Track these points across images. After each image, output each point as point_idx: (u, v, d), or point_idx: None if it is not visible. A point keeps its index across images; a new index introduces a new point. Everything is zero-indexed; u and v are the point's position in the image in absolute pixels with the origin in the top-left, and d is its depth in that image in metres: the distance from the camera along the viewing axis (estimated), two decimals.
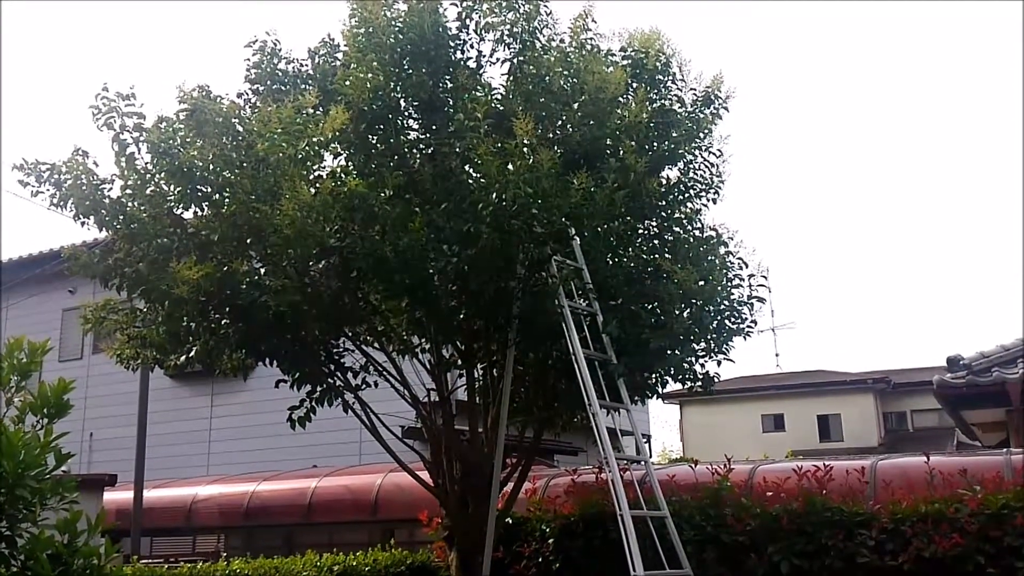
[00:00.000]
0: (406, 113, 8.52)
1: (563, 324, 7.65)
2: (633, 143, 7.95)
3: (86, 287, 14.37)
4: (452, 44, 8.40)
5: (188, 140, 7.36)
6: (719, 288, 8.03)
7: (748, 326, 8.31)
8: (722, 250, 8.34)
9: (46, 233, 52.37)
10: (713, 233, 8.53)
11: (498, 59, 8.61)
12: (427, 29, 8.07)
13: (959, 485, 7.40)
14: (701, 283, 7.91)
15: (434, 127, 8.28)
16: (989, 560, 6.86)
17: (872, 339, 66.40)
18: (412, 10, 8.16)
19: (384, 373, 8.91)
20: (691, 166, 8.78)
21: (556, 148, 7.68)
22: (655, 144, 8.42)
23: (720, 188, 8.85)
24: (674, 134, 8.47)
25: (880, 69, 61.76)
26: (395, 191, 7.90)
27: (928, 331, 62.03)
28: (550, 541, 8.64)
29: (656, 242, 8.64)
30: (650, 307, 8.11)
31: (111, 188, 7.50)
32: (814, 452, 21.44)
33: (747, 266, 8.36)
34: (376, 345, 8.98)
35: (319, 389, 8.57)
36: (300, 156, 7.27)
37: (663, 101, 8.71)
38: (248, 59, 8.63)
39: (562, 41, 8.67)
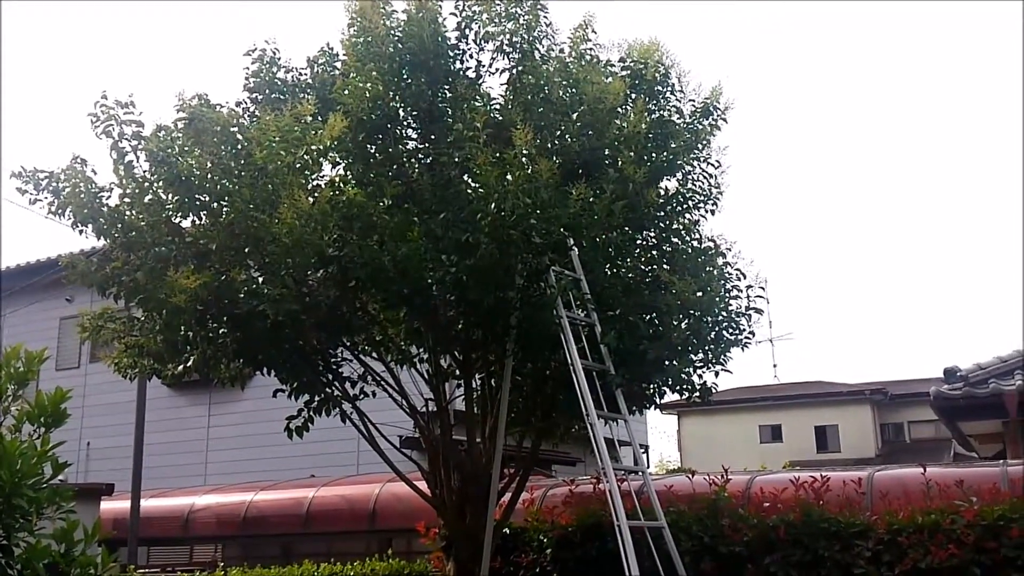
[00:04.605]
0: (405, 123, 8.53)
1: (561, 334, 7.64)
2: (632, 154, 7.98)
3: (84, 296, 14.34)
4: (451, 54, 8.42)
5: (186, 149, 7.36)
6: (717, 299, 8.04)
7: (746, 337, 8.32)
8: (720, 261, 8.36)
9: (44, 241, 52.36)
10: (711, 244, 8.55)
11: (497, 69, 8.66)
12: (426, 39, 8.09)
13: (956, 496, 7.39)
14: (699, 294, 7.92)
15: (433, 137, 8.30)
16: (985, 571, 6.86)
17: (870, 350, 66.41)
18: (412, 20, 8.18)
19: (382, 383, 8.90)
20: (690, 177, 8.80)
21: (555, 158, 7.70)
22: (654, 155, 8.44)
23: (719, 199, 8.88)
24: (673, 145, 8.48)
25: (879, 78, 61.98)
26: (394, 200, 7.91)
27: (926, 343, 62.10)
28: (548, 551, 8.63)
29: (654, 253, 8.66)
30: (648, 318, 8.11)
31: (109, 196, 7.50)
32: (812, 463, 21.43)
33: (745, 277, 8.39)
34: (374, 355, 8.97)
35: (317, 399, 8.55)
36: (298, 165, 7.28)
37: (662, 112, 8.73)
38: (247, 68, 8.66)
39: (561, 51, 8.71)
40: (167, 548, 14.85)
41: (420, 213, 7.80)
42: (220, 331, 7.83)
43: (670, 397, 8.87)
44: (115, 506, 12.44)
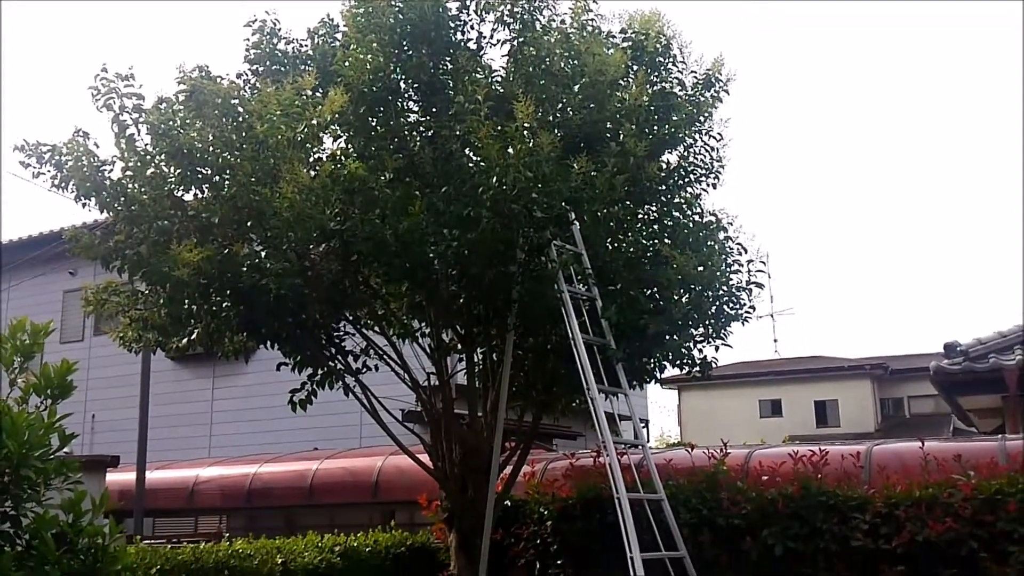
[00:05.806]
0: (406, 95, 8.50)
1: (562, 309, 7.66)
2: (633, 127, 7.94)
3: (87, 269, 14.41)
4: (452, 25, 8.36)
5: (188, 121, 7.34)
6: (718, 273, 8.04)
7: (746, 312, 8.33)
8: (721, 235, 8.35)
9: (47, 214, 52.31)
10: (712, 218, 8.54)
11: (498, 40, 8.60)
12: (427, 10, 8.03)
13: (954, 470, 7.42)
14: (700, 268, 7.92)
15: (434, 110, 8.27)
16: (982, 544, 6.90)
17: (870, 325, 66.49)
18: None
19: (384, 357, 8.94)
20: (691, 150, 8.76)
21: (556, 131, 7.66)
22: (655, 128, 8.40)
23: (720, 173, 8.85)
24: (674, 117, 8.43)
25: (880, 53, 61.49)
26: (395, 174, 7.90)
27: (926, 317, 62.12)
28: (548, 523, 8.70)
29: (656, 227, 8.63)
30: (649, 292, 8.12)
31: (112, 170, 7.49)
32: (811, 437, 21.54)
33: (746, 251, 8.38)
34: (376, 329, 9.00)
35: (320, 372, 8.60)
36: (299, 139, 7.27)
37: (663, 84, 8.67)
38: (248, 39, 8.62)
39: (562, 22, 8.63)
40: (172, 519, 14.99)
41: (421, 187, 7.80)
42: (223, 305, 7.86)
43: (670, 371, 8.90)
44: (121, 478, 12.54)
